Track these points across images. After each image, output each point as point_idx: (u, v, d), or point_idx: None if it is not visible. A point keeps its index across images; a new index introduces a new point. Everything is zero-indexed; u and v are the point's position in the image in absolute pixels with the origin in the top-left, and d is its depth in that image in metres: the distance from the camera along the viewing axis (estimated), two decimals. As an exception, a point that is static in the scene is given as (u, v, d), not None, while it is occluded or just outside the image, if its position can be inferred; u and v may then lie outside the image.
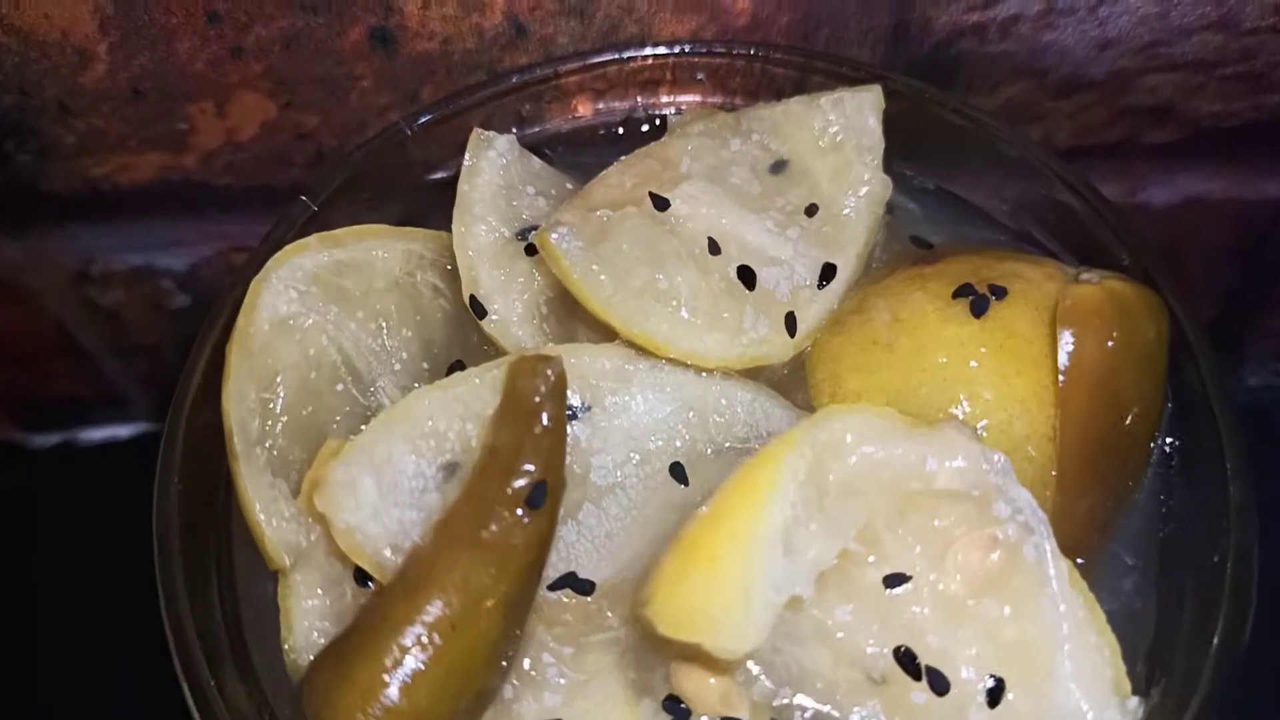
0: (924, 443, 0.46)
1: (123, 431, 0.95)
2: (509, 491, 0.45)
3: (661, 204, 0.53)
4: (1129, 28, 0.64)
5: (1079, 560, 0.47)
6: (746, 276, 0.53)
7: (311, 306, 0.51)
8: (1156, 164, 0.73)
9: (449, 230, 0.57)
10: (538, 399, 0.47)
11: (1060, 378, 0.48)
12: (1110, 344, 0.49)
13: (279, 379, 0.49)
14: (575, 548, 0.49)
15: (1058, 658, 0.44)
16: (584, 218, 0.52)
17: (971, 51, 0.64)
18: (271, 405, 0.49)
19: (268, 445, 0.47)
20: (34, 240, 0.75)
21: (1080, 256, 0.57)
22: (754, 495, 0.42)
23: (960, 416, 0.50)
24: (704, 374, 0.51)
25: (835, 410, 0.45)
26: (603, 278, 0.49)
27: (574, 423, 0.50)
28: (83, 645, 0.83)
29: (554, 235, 0.49)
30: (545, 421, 0.47)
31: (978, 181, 0.60)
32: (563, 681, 0.46)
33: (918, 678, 0.44)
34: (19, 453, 0.95)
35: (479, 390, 0.49)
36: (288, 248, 0.51)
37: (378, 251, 0.54)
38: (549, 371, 0.47)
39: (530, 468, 0.46)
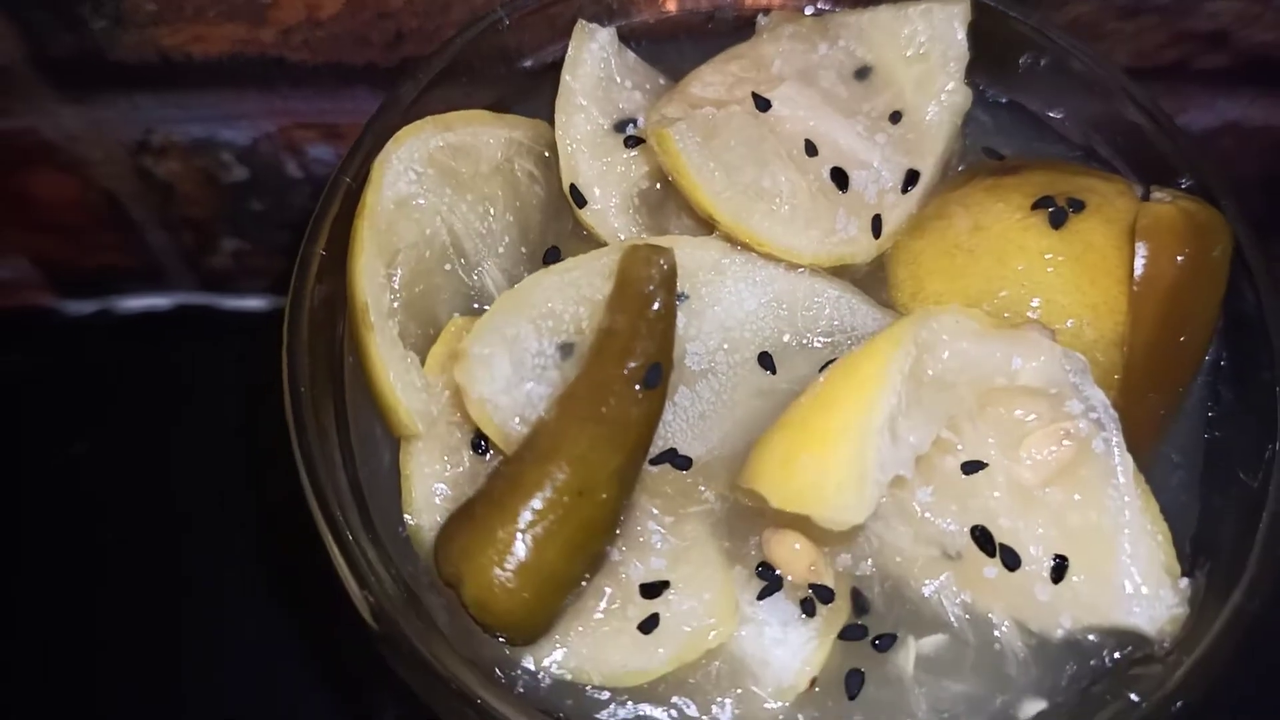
0: (1010, 342, 0.49)
1: (161, 302, 0.96)
2: (626, 372, 0.48)
3: (763, 104, 0.55)
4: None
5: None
6: (840, 178, 0.55)
7: (428, 187, 0.52)
8: (1202, 89, 0.76)
9: (542, 118, 0.59)
10: (651, 287, 0.49)
11: (1134, 289, 0.52)
12: (1181, 260, 0.52)
13: (399, 257, 0.51)
14: (672, 426, 0.52)
15: (1118, 542, 0.48)
16: (689, 114, 0.54)
17: (1049, -33, 0.66)
18: (393, 281, 0.51)
19: (396, 319, 0.49)
20: (95, 108, 0.75)
21: (1143, 175, 0.60)
22: (865, 386, 0.45)
23: (1037, 319, 0.53)
24: (795, 270, 0.54)
25: (933, 310, 0.49)
26: (716, 174, 0.51)
27: (672, 310, 0.52)
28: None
29: (674, 131, 0.50)
30: (658, 307, 0.49)
31: (1049, 97, 0.62)
32: (665, 547, 0.50)
33: (992, 554, 0.48)
34: (54, 319, 0.95)
35: (591, 276, 0.51)
36: (404, 129, 0.53)
37: (484, 136, 0.56)
38: (662, 261, 0.50)
39: (645, 350, 0.49)
